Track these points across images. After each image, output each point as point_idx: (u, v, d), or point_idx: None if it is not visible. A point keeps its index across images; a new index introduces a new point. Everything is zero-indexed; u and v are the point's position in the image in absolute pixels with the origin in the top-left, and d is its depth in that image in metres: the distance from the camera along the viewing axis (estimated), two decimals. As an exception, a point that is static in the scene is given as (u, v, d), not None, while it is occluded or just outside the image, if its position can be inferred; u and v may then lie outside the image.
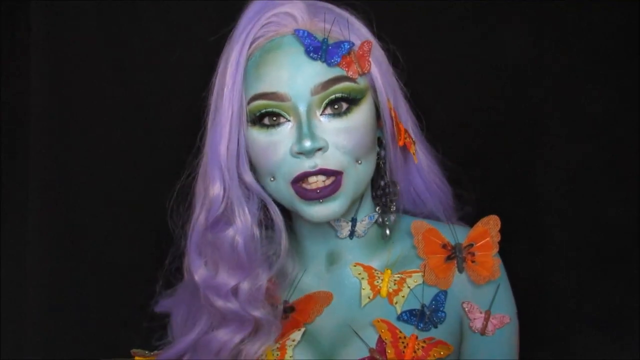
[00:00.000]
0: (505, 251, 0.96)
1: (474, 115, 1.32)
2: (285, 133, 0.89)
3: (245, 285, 0.91)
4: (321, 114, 0.89)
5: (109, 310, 1.33)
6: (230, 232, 0.91)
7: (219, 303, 0.91)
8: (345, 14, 0.93)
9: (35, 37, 1.31)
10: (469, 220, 1.02)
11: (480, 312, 0.94)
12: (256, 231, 0.92)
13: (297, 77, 0.88)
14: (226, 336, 0.92)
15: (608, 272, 1.30)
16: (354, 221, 0.96)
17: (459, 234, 0.96)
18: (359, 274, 0.96)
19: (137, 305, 1.08)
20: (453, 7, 1.31)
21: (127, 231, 1.35)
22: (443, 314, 0.93)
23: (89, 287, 1.35)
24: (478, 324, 0.94)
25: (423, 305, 0.93)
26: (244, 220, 0.91)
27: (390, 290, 0.94)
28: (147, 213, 1.31)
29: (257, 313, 0.92)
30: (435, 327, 0.92)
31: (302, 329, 0.94)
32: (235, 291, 0.92)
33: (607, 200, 1.30)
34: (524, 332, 0.97)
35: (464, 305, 0.94)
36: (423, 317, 0.92)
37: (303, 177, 0.88)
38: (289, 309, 0.97)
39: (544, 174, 1.32)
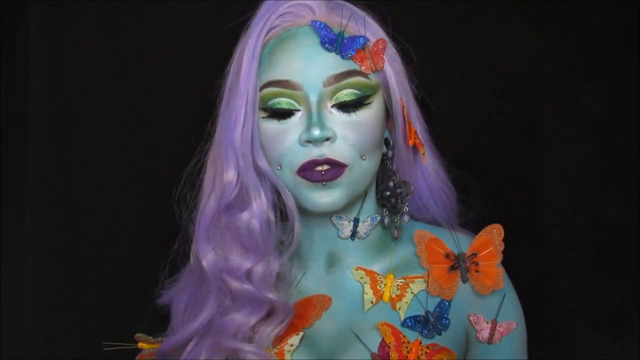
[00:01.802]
0: (506, 251, 0.95)
1: (474, 115, 1.32)
2: (294, 122, 0.89)
3: (259, 268, 0.92)
4: (332, 106, 0.89)
5: (109, 310, 1.33)
6: (245, 215, 0.92)
7: (235, 285, 0.92)
8: (363, 12, 0.94)
9: (35, 37, 1.31)
10: (470, 221, 1.02)
11: (487, 323, 0.93)
12: (271, 215, 0.93)
13: (310, 67, 0.88)
14: (242, 318, 0.93)
15: (608, 272, 1.30)
16: (356, 221, 0.96)
17: (462, 243, 0.95)
18: (361, 277, 0.95)
19: (137, 305, 1.08)
20: (453, 8, 1.31)
21: (127, 231, 1.35)
22: (447, 321, 0.92)
23: (89, 287, 1.35)
24: (485, 334, 0.93)
25: (427, 312, 0.92)
26: (259, 204, 0.92)
27: (393, 295, 0.94)
28: (147, 213, 1.31)
29: (272, 295, 0.92)
30: (439, 334, 0.92)
31: (301, 334, 0.94)
32: (248, 274, 0.93)
33: (607, 200, 1.30)
34: (524, 332, 0.97)
35: (471, 318, 0.93)
36: (427, 324, 0.92)
37: (310, 165, 0.88)
38: None
39: (543, 174, 1.32)
